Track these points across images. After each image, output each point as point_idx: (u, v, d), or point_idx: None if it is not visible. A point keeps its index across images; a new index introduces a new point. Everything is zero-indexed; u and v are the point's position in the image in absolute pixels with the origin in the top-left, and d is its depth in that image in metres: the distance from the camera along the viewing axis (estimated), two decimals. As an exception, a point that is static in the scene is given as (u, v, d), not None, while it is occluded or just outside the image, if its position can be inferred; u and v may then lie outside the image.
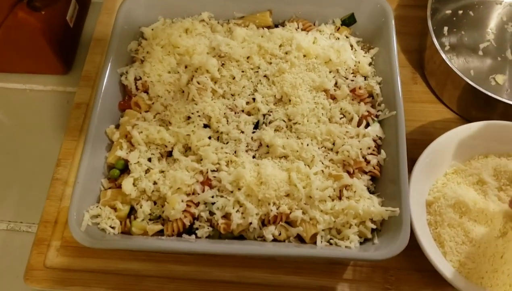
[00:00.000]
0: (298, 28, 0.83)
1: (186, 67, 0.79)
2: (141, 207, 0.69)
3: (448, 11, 0.94)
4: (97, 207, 0.69)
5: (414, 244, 0.66)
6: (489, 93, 0.78)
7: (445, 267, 0.67)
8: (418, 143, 0.77)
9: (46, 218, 0.79)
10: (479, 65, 0.90)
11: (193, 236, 0.68)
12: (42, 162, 0.88)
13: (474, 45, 0.92)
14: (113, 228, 0.68)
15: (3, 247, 0.82)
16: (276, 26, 0.85)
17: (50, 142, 0.90)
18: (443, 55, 0.82)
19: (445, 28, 0.93)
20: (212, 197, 0.69)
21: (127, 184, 0.69)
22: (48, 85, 0.97)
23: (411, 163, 0.72)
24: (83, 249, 0.76)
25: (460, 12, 0.94)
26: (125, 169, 0.73)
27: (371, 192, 0.70)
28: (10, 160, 0.90)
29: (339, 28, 0.84)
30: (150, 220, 0.70)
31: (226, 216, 0.68)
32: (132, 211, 0.71)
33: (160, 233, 0.69)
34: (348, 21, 0.84)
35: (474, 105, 0.83)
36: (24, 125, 0.93)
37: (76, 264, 0.76)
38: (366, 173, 0.71)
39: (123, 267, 0.75)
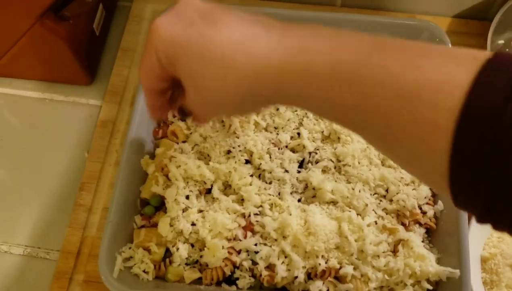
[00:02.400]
0: (347, 56, 0.77)
1: (227, 94, 0.73)
2: (177, 250, 0.64)
3: (501, 41, 0.89)
4: (129, 248, 0.64)
5: (465, 301, 0.62)
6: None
7: (503, 333, 0.63)
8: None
9: (68, 249, 0.74)
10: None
11: (234, 287, 0.63)
12: (63, 180, 0.82)
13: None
14: (146, 272, 0.63)
15: (19, 275, 0.76)
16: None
17: (71, 158, 0.84)
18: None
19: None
20: (255, 244, 0.63)
21: (163, 225, 0.63)
22: (70, 96, 0.90)
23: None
24: (108, 286, 0.71)
25: (514, 42, 0.89)
26: (160, 206, 0.67)
27: (425, 246, 0.65)
28: (27, 175, 0.84)
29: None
30: (186, 264, 0.64)
31: (270, 267, 0.63)
32: (167, 253, 0.65)
33: (198, 279, 0.64)
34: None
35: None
36: (43, 138, 0.87)
37: (100, 302, 0.70)
38: (421, 224, 0.66)
39: (151, 308, 0.70)
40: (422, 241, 0.65)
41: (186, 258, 0.64)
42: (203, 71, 0.42)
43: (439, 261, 0.63)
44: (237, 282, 0.63)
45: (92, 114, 0.88)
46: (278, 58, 0.39)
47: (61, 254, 0.73)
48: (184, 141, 0.71)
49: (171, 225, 0.65)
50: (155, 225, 0.65)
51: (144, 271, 0.63)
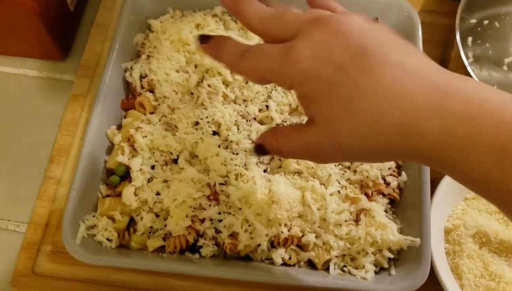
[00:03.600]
0: (317, 31, 0.77)
1: (196, 67, 0.73)
2: (141, 219, 0.64)
3: (473, 21, 0.89)
4: (93, 216, 0.64)
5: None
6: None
7: (463, 302, 0.63)
8: (437, 162, 0.73)
9: (36, 220, 0.74)
10: (503, 80, 0.86)
11: (197, 255, 0.63)
12: (33, 154, 0.82)
13: (499, 59, 0.87)
14: (110, 240, 0.63)
15: (-12, 247, 0.77)
16: (294, 26, 0.79)
17: (43, 133, 0.84)
18: (470, 71, 0.77)
19: (469, 39, 0.88)
20: (219, 213, 0.64)
21: (128, 194, 0.64)
22: (44, 71, 0.90)
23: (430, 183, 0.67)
24: (76, 256, 0.71)
25: (486, 22, 0.89)
26: (125, 176, 0.67)
27: (388, 216, 0.66)
28: (-1, 149, 0.84)
29: (361, 33, 0.78)
30: (150, 233, 0.65)
31: (233, 235, 0.63)
32: (131, 222, 0.66)
33: (161, 248, 0.64)
34: (371, 27, 0.79)
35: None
36: (16, 113, 0.87)
37: (67, 272, 0.70)
38: (384, 195, 0.66)
39: (117, 278, 0.70)
40: (386, 212, 0.66)
41: (150, 227, 0.64)
42: (348, 120, 0.39)
43: (401, 231, 0.64)
44: (200, 250, 0.63)
45: (66, 89, 0.88)
46: (439, 126, 0.37)
47: (30, 226, 0.74)
48: (151, 113, 0.71)
49: (135, 195, 0.65)
50: (120, 195, 0.65)
51: (107, 239, 0.63)
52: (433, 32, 0.89)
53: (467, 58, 0.86)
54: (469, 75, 0.77)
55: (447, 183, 0.69)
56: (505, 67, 0.86)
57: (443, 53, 0.88)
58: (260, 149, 0.48)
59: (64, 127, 0.80)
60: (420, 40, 0.74)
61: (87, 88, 0.83)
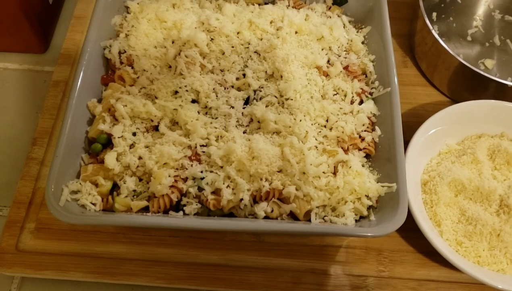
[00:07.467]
0: (289, 6, 0.81)
1: (173, 42, 0.76)
2: (124, 183, 0.65)
3: (437, -4, 0.94)
4: (77, 182, 0.65)
5: (407, 225, 0.63)
6: (481, 72, 0.77)
7: (443, 246, 0.65)
8: (410, 125, 0.75)
9: (20, 199, 0.74)
10: (468, 51, 0.90)
11: (181, 213, 0.64)
12: (16, 142, 0.83)
13: (463, 31, 0.92)
14: (94, 204, 0.64)
15: (-28, 231, 0.76)
16: (266, 4, 0.83)
17: (25, 122, 0.85)
18: (436, 35, 0.81)
19: (434, 14, 0.92)
20: (201, 172, 0.65)
21: (110, 158, 0.65)
22: (24, 64, 0.92)
23: (404, 144, 0.69)
24: (59, 231, 0.72)
25: (448, -1, 0.94)
26: (107, 144, 0.69)
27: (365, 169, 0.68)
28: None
29: (330, 7, 0.82)
30: (134, 196, 0.66)
31: (216, 192, 0.65)
32: (115, 188, 0.67)
33: (145, 210, 0.65)
34: (340, 1, 0.83)
35: (465, 86, 0.82)
36: (-2, 105, 0.88)
37: (52, 247, 0.71)
38: (360, 149, 0.69)
39: (102, 250, 0.71)
40: (363, 166, 0.68)
41: (134, 191, 0.65)
42: None
43: (378, 181, 0.65)
44: (184, 208, 0.64)
45: (47, 80, 0.89)
46: None
47: (13, 205, 0.74)
48: (131, 85, 0.73)
49: (118, 160, 0.66)
50: (102, 162, 0.66)
51: (92, 203, 0.64)
52: (399, 10, 0.94)
53: (433, 31, 0.90)
54: (436, 41, 0.81)
55: (419, 138, 0.72)
56: (469, 38, 0.90)
57: (410, 28, 0.92)
58: None
59: (46, 111, 0.82)
60: (386, 8, 0.77)
61: (67, 75, 0.85)
